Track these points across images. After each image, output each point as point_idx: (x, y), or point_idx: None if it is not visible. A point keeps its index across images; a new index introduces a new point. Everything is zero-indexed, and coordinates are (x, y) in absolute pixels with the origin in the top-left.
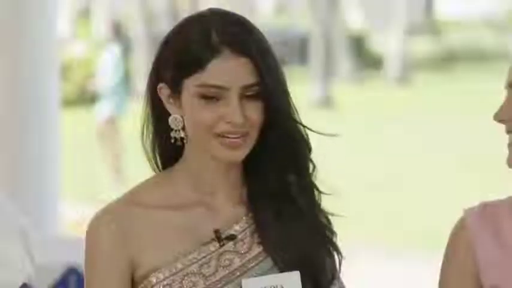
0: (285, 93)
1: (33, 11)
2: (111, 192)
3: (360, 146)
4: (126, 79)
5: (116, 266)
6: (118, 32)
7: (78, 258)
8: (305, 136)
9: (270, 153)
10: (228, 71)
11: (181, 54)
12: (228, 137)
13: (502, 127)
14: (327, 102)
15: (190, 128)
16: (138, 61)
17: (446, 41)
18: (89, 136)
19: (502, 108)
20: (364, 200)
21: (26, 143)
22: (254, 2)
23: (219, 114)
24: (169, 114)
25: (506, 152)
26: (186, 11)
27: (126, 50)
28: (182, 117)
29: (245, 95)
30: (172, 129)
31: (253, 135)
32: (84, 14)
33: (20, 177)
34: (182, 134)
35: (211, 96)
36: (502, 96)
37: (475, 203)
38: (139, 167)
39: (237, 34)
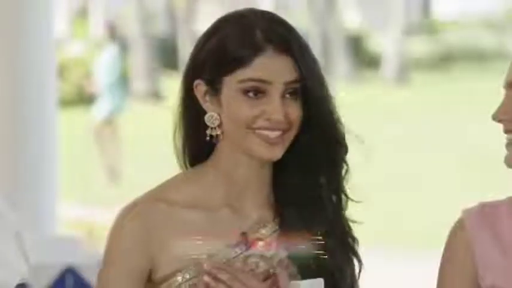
0: (326, 92)
1: (30, 11)
2: (108, 193)
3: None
4: (124, 79)
5: (135, 262)
6: (115, 32)
7: (75, 258)
8: (343, 138)
9: (303, 154)
10: (271, 66)
11: (223, 51)
12: (268, 134)
13: (502, 126)
14: None
15: (228, 124)
16: (136, 61)
17: (444, 40)
18: (87, 136)
19: (500, 108)
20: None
21: (23, 143)
22: (253, 2)
23: (260, 111)
24: (203, 112)
25: (505, 151)
26: (183, 11)
27: (123, 49)
28: (219, 114)
29: (286, 93)
30: (207, 127)
31: (292, 133)
32: (81, 14)
33: (17, 177)
34: (218, 132)
35: (253, 92)
36: (500, 95)
37: (474, 202)
38: (136, 167)
39: (280, 32)
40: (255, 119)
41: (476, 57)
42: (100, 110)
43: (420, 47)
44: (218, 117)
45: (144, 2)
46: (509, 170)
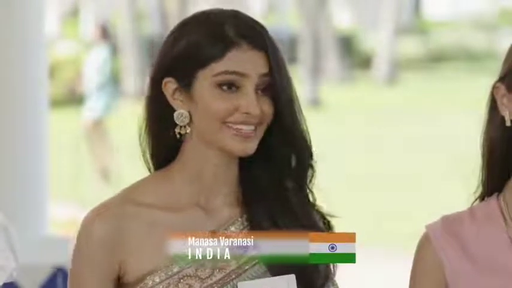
0: (292, 92)
1: (21, 10)
2: (99, 193)
3: (348, 146)
4: (114, 79)
5: (103, 262)
6: (106, 32)
7: (66, 259)
8: (307, 139)
9: (269, 155)
10: (246, 59)
11: (196, 48)
12: (242, 128)
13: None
14: (316, 102)
15: (200, 120)
16: (127, 61)
17: (434, 40)
18: (77, 136)
19: None
20: (354, 200)
21: (13, 143)
22: (244, 2)
23: (234, 105)
24: (171, 111)
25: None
26: (174, 11)
27: (114, 50)
28: (189, 112)
29: (258, 89)
30: (176, 126)
31: (263, 128)
32: (73, 14)
33: (7, 177)
34: (188, 130)
35: (227, 85)
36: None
37: (463, 203)
38: (127, 167)
39: (252, 28)
40: (231, 114)
41: (467, 57)
42: (91, 110)
43: (411, 47)
44: (188, 115)
45: (136, 3)
46: None
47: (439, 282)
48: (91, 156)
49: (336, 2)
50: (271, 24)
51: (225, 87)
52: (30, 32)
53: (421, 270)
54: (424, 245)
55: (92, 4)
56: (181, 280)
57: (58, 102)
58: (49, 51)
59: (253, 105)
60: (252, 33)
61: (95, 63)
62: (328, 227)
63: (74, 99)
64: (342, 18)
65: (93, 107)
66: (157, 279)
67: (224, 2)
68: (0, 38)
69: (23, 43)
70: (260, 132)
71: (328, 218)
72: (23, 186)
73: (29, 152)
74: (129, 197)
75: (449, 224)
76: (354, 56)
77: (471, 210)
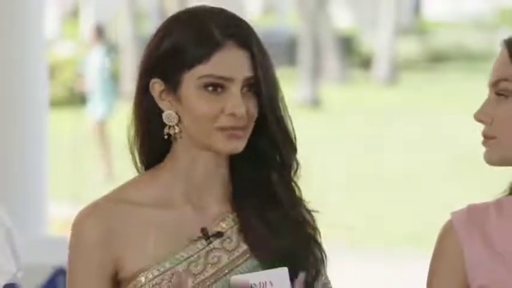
0: (277, 91)
1: (22, 11)
2: (99, 193)
3: (347, 147)
4: (114, 80)
5: (98, 261)
6: (101, 33)
7: (66, 259)
8: (291, 134)
9: (256, 152)
10: (232, 62)
11: (182, 49)
12: (229, 130)
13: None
14: (315, 102)
15: (188, 121)
16: (126, 62)
17: (434, 41)
18: (77, 137)
19: (481, 108)
20: (354, 199)
21: (13, 144)
22: (242, 2)
23: (221, 106)
24: (159, 111)
25: (483, 148)
26: (174, 11)
27: (114, 50)
28: (176, 112)
29: (243, 88)
30: (164, 126)
31: (250, 128)
32: (73, 14)
33: (7, 178)
34: (177, 130)
35: (213, 87)
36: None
37: (466, 202)
38: (127, 169)
39: (238, 27)
40: (217, 115)
41: (467, 57)
42: (91, 111)
43: (411, 47)
44: (176, 116)
45: (136, 3)
46: (499, 170)
47: (458, 271)
48: (93, 157)
49: (336, 2)
50: (271, 24)
51: (210, 89)
52: (30, 32)
53: (441, 257)
54: (447, 232)
55: (92, 5)
56: (174, 276)
57: (58, 103)
58: (49, 52)
59: (238, 106)
60: (237, 32)
61: (94, 64)
62: (313, 221)
63: (73, 99)
64: (342, 19)
65: (93, 107)
66: (150, 276)
67: (222, 2)
68: (0, 38)
69: (23, 43)
70: (248, 131)
71: (313, 213)
72: (23, 187)
73: (29, 152)
74: (120, 196)
75: (475, 213)
76: (353, 56)
77: (498, 201)
